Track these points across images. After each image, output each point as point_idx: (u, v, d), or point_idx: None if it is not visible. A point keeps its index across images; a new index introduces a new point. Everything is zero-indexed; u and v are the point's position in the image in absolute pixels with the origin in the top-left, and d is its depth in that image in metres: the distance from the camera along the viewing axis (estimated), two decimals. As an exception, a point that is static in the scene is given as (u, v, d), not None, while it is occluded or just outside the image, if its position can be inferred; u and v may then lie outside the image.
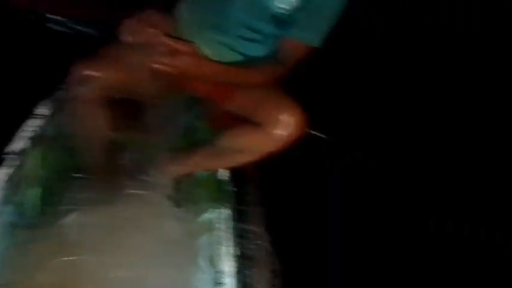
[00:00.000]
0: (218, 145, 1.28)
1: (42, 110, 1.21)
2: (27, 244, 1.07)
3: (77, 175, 1.34)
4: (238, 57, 1.27)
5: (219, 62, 1.22)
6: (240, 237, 1.23)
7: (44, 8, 1.66)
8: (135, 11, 1.23)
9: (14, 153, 1.12)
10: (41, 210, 1.19)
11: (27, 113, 1.18)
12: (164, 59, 1.08)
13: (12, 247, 1.06)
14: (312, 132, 1.45)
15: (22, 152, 1.12)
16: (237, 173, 1.33)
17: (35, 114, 1.19)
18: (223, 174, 1.35)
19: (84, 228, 1.16)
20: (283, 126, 1.14)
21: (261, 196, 1.32)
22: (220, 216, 1.26)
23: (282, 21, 1.20)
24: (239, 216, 1.26)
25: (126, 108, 1.50)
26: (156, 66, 1.08)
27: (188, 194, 1.41)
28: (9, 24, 1.54)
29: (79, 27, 1.61)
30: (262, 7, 1.18)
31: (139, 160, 1.43)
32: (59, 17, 1.60)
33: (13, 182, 1.08)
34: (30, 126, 1.17)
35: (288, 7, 1.17)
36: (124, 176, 1.33)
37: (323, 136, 1.57)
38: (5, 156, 1.07)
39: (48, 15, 1.59)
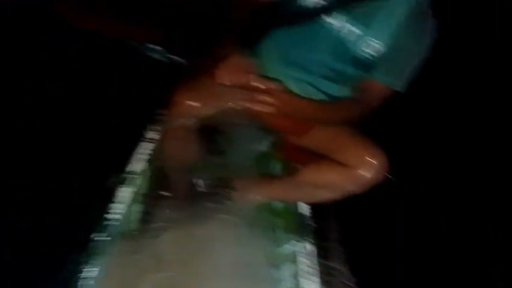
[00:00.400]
0: (298, 178, 1.33)
1: (151, 134, 1.33)
2: (128, 255, 1.18)
3: (168, 195, 1.47)
4: (321, 96, 1.33)
5: (304, 99, 1.28)
6: (324, 274, 1.26)
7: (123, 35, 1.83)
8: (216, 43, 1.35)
9: (130, 173, 1.25)
10: (139, 226, 1.31)
11: (140, 137, 1.31)
12: (257, 98, 1.17)
13: (115, 256, 1.17)
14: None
15: (135, 173, 1.25)
16: (317, 208, 1.38)
17: (146, 138, 1.31)
18: (303, 207, 1.41)
19: (172, 246, 1.26)
20: (369, 168, 1.18)
21: (340, 234, 1.36)
22: (302, 250, 1.31)
23: (365, 64, 1.23)
24: (322, 253, 1.30)
25: (209, 134, 1.62)
26: (248, 103, 1.18)
27: (267, 221, 1.49)
28: (109, 51, 1.72)
29: (173, 57, 1.75)
30: (346, 50, 1.22)
31: (220, 184, 1.53)
32: (155, 46, 1.75)
33: (126, 199, 1.21)
34: (142, 149, 1.30)
35: (372, 52, 1.21)
36: (206, 198, 1.42)
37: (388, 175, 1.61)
38: (125, 175, 1.21)
39: (145, 44, 1.76)
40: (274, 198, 1.45)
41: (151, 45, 1.78)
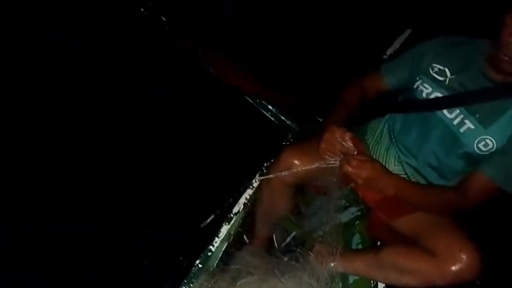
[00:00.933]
0: (383, 258, 1.29)
1: (255, 183, 1.45)
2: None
3: (250, 242, 1.54)
4: (421, 181, 1.33)
5: (403, 179, 1.27)
6: None
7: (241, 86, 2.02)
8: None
9: (234, 213, 1.36)
10: (218, 263, 1.39)
11: (245, 183, 1.43)
12: (353, 170, 1.17)
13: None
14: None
15: (234, 213, 1.36)
16: None
17: (251, 185, 1.43)
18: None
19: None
20: (461, 265, 1.12)
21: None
22: None
23: (475, 160, 1.21)
24: None
25: (301, 195, 1.68)
26: (345, 173, 1.19)
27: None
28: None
29: (283, 118, 1.91)
30: (460, 145, 1.22)
31: (301, 243, 1.56)
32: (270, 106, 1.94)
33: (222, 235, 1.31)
34: (246, 194, 1.41)
35: (486, 150, 1.19)
36: (286, 254, 1.45)
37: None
38: (228, 215, 1.32)
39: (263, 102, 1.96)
40: (353, 273, 1.43)
41: (267, 103, 1.97)
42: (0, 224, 1.40)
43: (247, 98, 1.92)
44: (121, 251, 1.47)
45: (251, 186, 1.43)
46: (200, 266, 1.21)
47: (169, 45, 2.09)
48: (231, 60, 2.09)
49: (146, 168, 1.74)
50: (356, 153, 1.22)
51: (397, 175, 1.26)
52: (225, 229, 1.31)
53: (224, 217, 1.32)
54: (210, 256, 1.26)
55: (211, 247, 1.25)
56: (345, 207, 1.77)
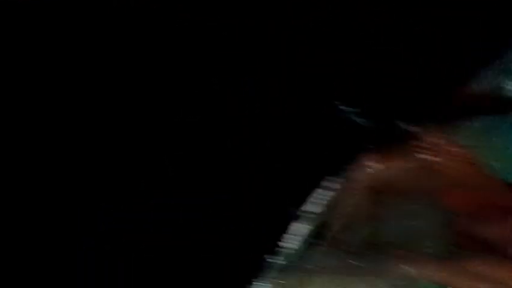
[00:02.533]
0: (466, 265, 1.25)
1: (333, 183, 1.44)
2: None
3: (321, 244, 1.54)
4: None
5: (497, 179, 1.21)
6: None
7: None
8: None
9: (307, 211, 1.38)
10: (292, 262, 1.41)
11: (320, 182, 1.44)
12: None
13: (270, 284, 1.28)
14: None
15: (311, 212, 1.37)
16: None
17: (328, 186, 1.43)
18: None
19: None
20: None
21: None
22: None
23: None
24: None
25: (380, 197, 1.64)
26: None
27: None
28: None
29: (363, 119, 1.86)
30: None
31: (378, 248, 1.53)
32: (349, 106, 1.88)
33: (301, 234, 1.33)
34: (322, 195, 1.41)
35: None
36: (362, 257, 1.43)
37: None
38: (302, 213, 1.34)
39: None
40: (431, 279, 1.38)
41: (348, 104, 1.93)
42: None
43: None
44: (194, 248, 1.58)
45: (329, 188, 1.42)
46: (271, 263, 1.23)
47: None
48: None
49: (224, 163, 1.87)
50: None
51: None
52: (297, 227, 1.32)
53: (299, 216, 1.33)
54: (281, 254, 1.28)
55: (283, 245, 1.26)
56: (429, 214, 1.72)
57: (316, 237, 1.56)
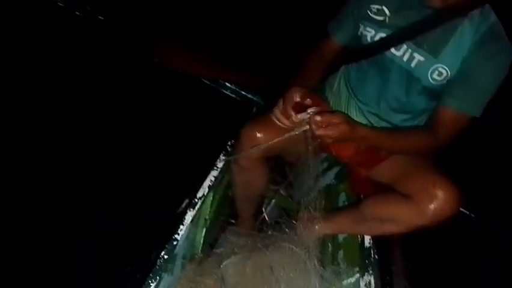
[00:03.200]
0: (363, 211, 1.28)
1: (219, 163, 1.42)
2: (194, 277, 1.24)
3: (232, 222, 1.52)
4: (389, 127, 1.30)
5: (371, 128, 1.22)
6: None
7: (202, 74, 1.96)
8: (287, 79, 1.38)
9: (198, 198, 1.33)
10: (203, 249, 1.37)
11: (210, 165, 1.40)
12: (321, 131, 1.09)
13: (182, 278, 1.23)
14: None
15: (202, 198, 1.33)
16: (381, 241, 1.32)
17: (215, 167, 1.40)
18: (368, 241, 1.36)
19: (235, 272, 1.29)
20: (438, 202, 1.09)
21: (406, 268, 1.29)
22: (365, 284, 1.25)
23: (437, 93, 1.17)
24: (384, 286, 1.23)
25: (276, 166, 1.66)
26: (314, 137, 1.12)
27: (331, 255, 1.47)
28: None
29: (244, 93, 1.87)
30: (416, 81, 1.18)
31: (284, 214, 1.55)
32: (228, 83, 1.89)
33: (193, 223, 1.28)
34: (210, 176, 1.38)
35: (443, 79, 1.14)
36: (271, 227, 1.44)
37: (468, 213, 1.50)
38: (192, 200, 1.29)
39: (221, 81, 1.90)
40: (339, 232, 1.42)
41: (225, 82, 1.93)
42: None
43: (204, 80, 1.88)
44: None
45: (215, 168, 1.40)
46: (166, 257, 1.17)
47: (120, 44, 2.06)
48: (181, 46, 2.04)
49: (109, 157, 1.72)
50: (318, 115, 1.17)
51: (365, 126, 1.20)
52: (189, 215, 1.27)
53: (192, 204, 1.29)
54: (184, 244, 1.23)
55: (176, 236, 1.21)
56: (326, 170, 1.78)
57: (222, 220, 1.54)
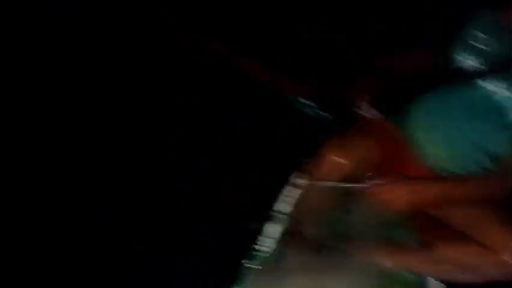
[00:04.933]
0: (436, 252, 1.27)
1: (299, 180, 1.44)
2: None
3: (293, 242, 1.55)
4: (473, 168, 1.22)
5: (439, 180, 1.22)
6: None
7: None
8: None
9: (277, 212, 1.36)
10: (270, 262, 1.40)
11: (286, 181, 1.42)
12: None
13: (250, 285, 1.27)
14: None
15: (281, 212, 1.36)
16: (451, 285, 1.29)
17: (294, 183, 1.42)
18: (433, 283, 1.34)
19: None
20: None
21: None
22: None
23: None
24: None
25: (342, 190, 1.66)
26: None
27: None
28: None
29: (321, 112, 1.86)
30: (504, 118, 1.14)
31: (345, 241, 1.54)
32: (306, 100, 1.88)
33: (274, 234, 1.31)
34: (289, 193, 1.41)
35: None
36: (333, 251, 1.44)
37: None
38: (267, 214, 1.33)
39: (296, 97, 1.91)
40: (404, 267, 1.41)
41: (302, 99, 1.90)
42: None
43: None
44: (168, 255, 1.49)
45: (296, 185, 1.42)
46: (248, 266, 1.22)
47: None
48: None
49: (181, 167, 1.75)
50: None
51: (431, 181, 1.21)
52: (270, 228, 1.31)
53: (269, 216, 1.32)
54: (257, 256, 1.27)
55: (257, 247, 1.25)
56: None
57: (288, 236, 1.56)
